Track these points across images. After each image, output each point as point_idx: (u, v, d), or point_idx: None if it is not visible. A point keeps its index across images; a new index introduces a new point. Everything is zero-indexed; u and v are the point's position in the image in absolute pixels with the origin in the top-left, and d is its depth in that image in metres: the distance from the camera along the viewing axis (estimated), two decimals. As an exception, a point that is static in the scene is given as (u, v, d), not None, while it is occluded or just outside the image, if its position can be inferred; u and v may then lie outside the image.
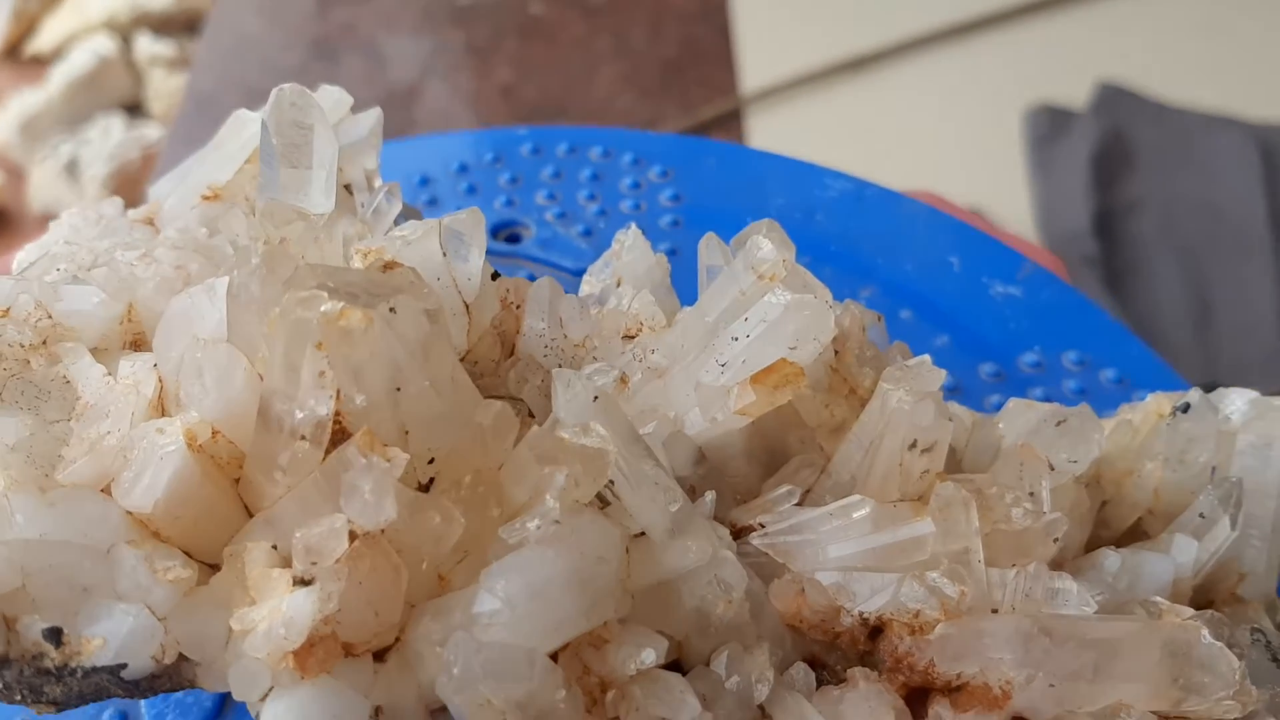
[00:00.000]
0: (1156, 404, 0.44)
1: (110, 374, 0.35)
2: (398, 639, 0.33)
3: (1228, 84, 1.15)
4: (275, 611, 0.30)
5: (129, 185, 1.44)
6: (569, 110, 1.12)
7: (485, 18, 1.22)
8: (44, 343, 0.37)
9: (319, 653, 0.30)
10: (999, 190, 1.07)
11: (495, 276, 0.42)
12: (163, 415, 0.35)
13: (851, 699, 0.34)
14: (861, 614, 0.36)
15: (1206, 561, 0.39)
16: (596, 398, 0.35)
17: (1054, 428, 0.40)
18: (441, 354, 0.33)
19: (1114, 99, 1.13)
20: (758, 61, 1.18)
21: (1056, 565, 0.38)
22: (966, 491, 0.36)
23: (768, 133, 1.11)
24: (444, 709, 0.34)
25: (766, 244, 0.39)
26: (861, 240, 0.61)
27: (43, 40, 1.67)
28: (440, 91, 1.13)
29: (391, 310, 0.30)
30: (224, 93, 1.17)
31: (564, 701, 0.31)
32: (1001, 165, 1.11)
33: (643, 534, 0.35)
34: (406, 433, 0.33)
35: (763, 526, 0.39)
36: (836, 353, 0.41)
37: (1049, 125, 1.11)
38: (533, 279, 0.43)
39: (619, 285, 0.47)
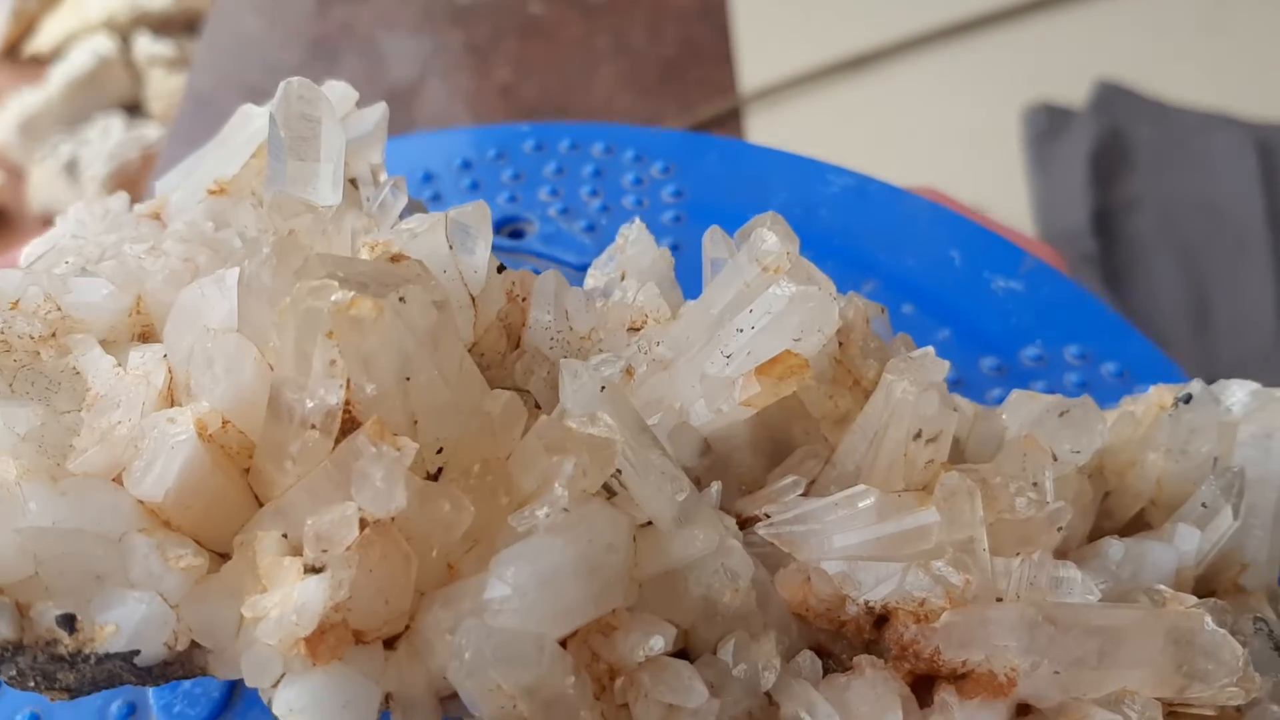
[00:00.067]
0: (1158, 396, 0.44)
1: (120, 365, 0.36)
2: (407, 627, 0.33)
3: (1226, 83, 1.16)
4: (287, 599, 0.30)
5: (129, 185, 1.44)
6: (568, 110, 1.13)
7: (484, 17, 1.23)
8: (53, 335, 0.38)
9: (330, 640, 0.31)
10: (998, 189, 1.08)
11: (501, 269, 0.42)
12: (172, 406, 0.35)
13: (858, 686, 0.35)
14: (867, 603, 0.36)
15: (1209, 551, 0.40)
16: (603, 388, 0.35)
17: (1057, 418, 0.40)
18: (450, 344, 0.33)
19: (1113, 98, 1.13)
20: (757, 61, 1.18)
21: (1060, 555, 0.39)
22: (971, 481, 0.37)
23: (767, 132, 1.12)
24: (454, 696, 0.34)
25: (771, 236, 0.40)
26: (863, 235, 0.62)
27: (42, 40, 1.68)
28: (439, 91, 1.14)
29: (401, 300, 0.31)
30: (223, 92, 1.17)
31: (573, 688, 0.32)
32: (1000, 164, 1.11)
33: (649, 524, 0.36)
34: (415, 422, 0.33)
35: (768, 517, 0.39)
36: (840, 344, 0.41)
37: (1048, 124, 1.11)
38: (537, 273, 0.43)
39: (623, 279, 0.47)
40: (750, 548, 0.37)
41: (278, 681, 0.31)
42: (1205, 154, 1.08)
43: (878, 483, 0.38)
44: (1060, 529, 0.38)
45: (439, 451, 0.34)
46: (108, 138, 1.51)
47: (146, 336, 0.40)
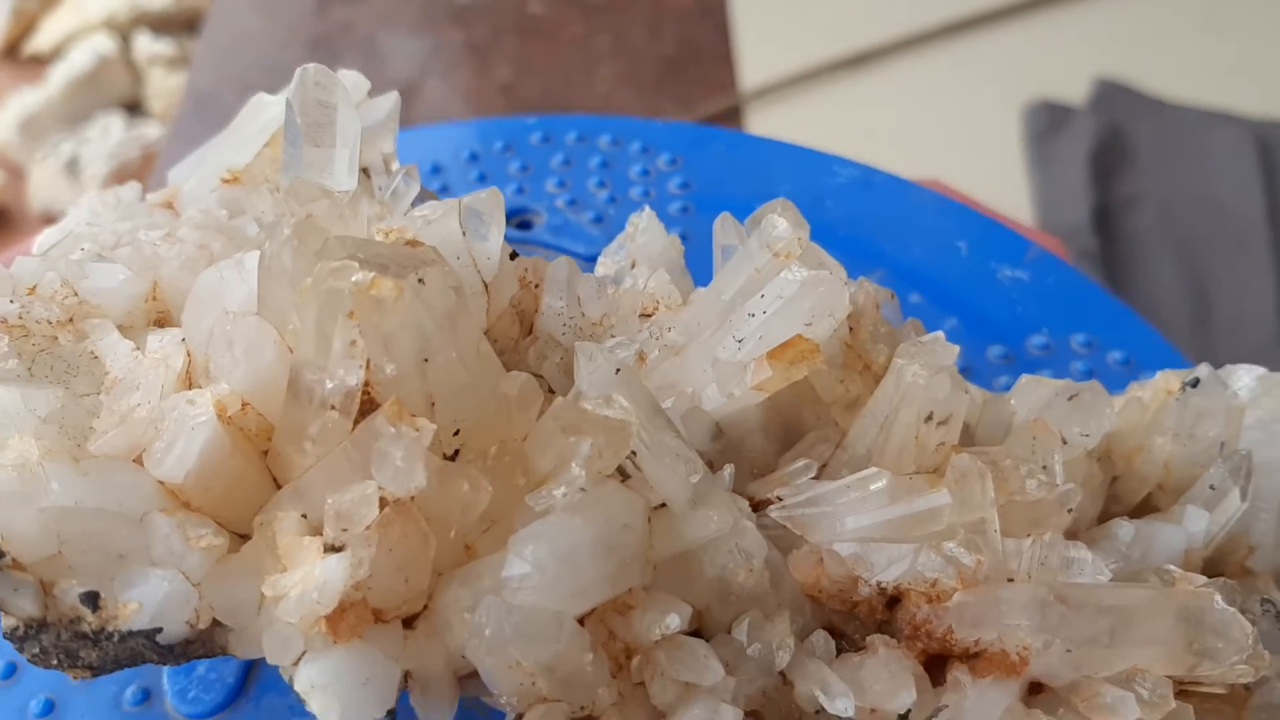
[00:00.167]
0: (1165, 381, 0.44)
1: (138, 349, 0.36)
2: (425, 607, 0.34)
3: (1225, 81, 1.16)
4: (308, 577, 0.31)
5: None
6: (569, 109, 1.13)
7: (484, 16, 1.23)
8: (70, 320, 0.38)
9: (350, 618, 0.31)
10: (999, 186, 1.08)
11: (514, 256, 0.42)
12: (191, 389, 0.35)
13: (872, 665, 0.35)
14: (879, 584, 0.37)
15: (1217, 534, 0.40)
16: (619, 370, 0.35)
17: (1066, 402, 0.41)
18: (467, 326, 0.34)
19: (1112, 95, 1.13)
20: (756, 59, 1.18)
21: (1070, 537, 0.39)
22: (982, 463, 0.37)
23: (767, 130, 1.11)
24: (472, 675, 0.35)
25: (782, 222, 0.40)
26: (869, 225, 0.62)
27: (42, 39, 1.68)
28: (439, 90, 1.14)
29: (420, 281, 0.31)
30: (224, 91, 1.17)
31: (591, 665, 0.32)
32: (1001, 161, 1.11)
33: (663, 506, 0.36)
34: (433, 404, 0.33)
35: (780, 499, 0.39)
36: (851, 329, 0.42)
37: (1048, 121, 1.11)
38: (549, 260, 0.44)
39: (633, 267, 0.47)
40: (762, 530, 0.38)
41: (298, 659, 0.31)
42: (1205, 151, 1.09)
43: (889, 466, 0.38)
44: (1070, 510, 0.38)
45: (456, 433, 0.34)
46: (108, 137, 1.51)
47: (162, 322, 0.40)
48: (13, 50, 1.71)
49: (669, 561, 0.36)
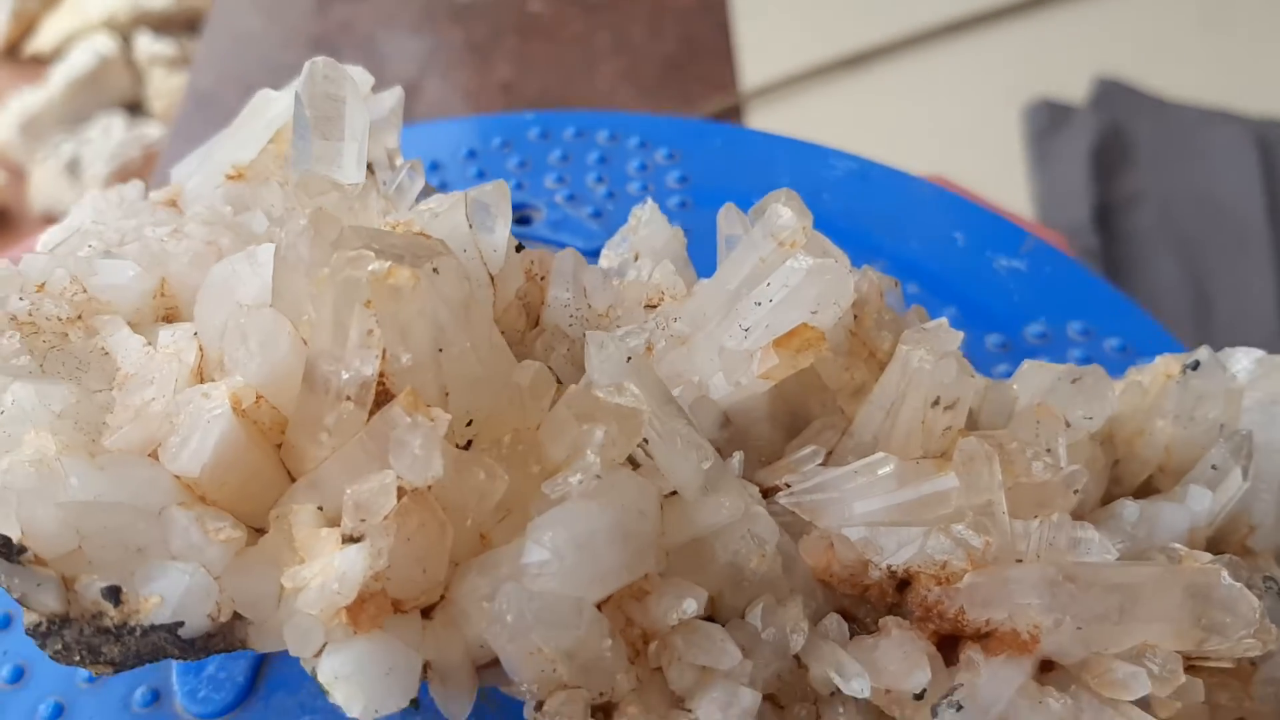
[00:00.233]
0: (1164, 365, 0.45)
1: (150, 344, 0.36)
2: (442, 597, 0.34)
3: (1225, 79, 1.16)
4: (327, 568, 0.31)
5: None
6: (569, 107, 1.13)
7: (484, 15, 1.23)
8: (79, 316, 0.38)
9: (370, 608, 0.31)
10: (999, 185, 1.08)
11: (519, 249, 0.42)
12: (202, 383, 0.35)
13: (886, 646, 0.35)
14: (889, 567, 0.37)
15: (1219, 513, 0.40)
16: (630, 359, 0.36)
17: (1070, 385, 0.41)
18: (480, 316, 0.34)
19: (1113, 94, 1.13)
20: (757, 57, 1.18)
21: (1075, 519, 0.39)
22: (989, 446, 0.37)
23: (767, 129, 1.11)
24: (490, 665, 0.35)
25: (786, 211, 0.40)
26: (867, 217, 0.62)
27: (42, 40, 1.67)
28: (439, 89, 1.14)
29: (435, 271, 0.31)
30: (224, 91, 1.17)
31: (610, 650, 0.32)
32: (1001, 160, 1.11)
33: (674, 494, 0.36)
34: (447, 394, 0.33)
35: (788, 486, 0.39)
36: (856, 317, 0.42)
37: (1048, 120, 1.11)
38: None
39: (636, 259, 0.47)
40: (772, 517, 0.38)
41: (320, 651, 0.31)
42: (1205, 150, 1.09)
43: (896, 451, 0.39)
44: (1076, 491, 0.38)
45: (469, 424, 0.34)
46: (109, 137, 1.51)
47: (171, 318, 0.40)
48: (13, 50, 1.71)
49: (681, 548, 0.36)
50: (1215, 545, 0.42)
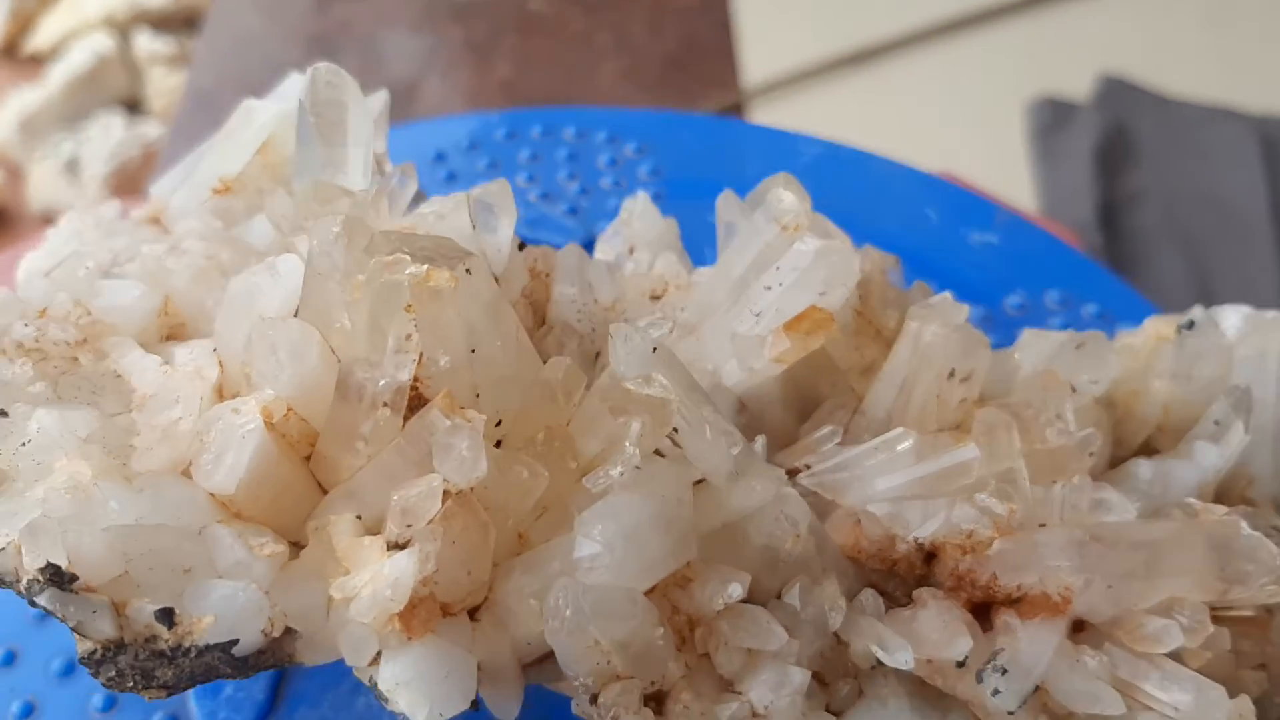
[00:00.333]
0: (1155, 327, 0.46)
1: (166, 363, 0.35)
2: (486, 598, 0.34)
3: (1229, 77, 1.17)
4: (378, 576, 0.31)
5: (129, 183, 1.42)
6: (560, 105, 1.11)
7: (484, 14, 1.21)
8: (85, 340, 0.37)
9: (421, 613, 0.31)
10: (1002, 183, 1.07)
11: (522, 247, 0.42)
12: (223, 400, 0.35)
13: (924, 617, 0.36)
14: (916, 540, 0.38)
15: (1224, 467, 0.42)
16: (655, 349, 0.36)
17: (1074, 350, 0.42)
18: (507, 316, 0.34)
19: (1116, 92, 1.14)
20: (759, 56, 1.18)
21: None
22: (1007, 415, 0.38)
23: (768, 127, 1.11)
24: (535, 663, 0.35)
25: (788, 195, 0.41)
26: (839, 200, 0.62)
27: (41, 38, 1.63)
28: (439, 88, 1.12)
29: (468, 272, 0.31)
30: (224, 89, 1.14)
31: (662, 639, 0.32)
32: (1005, 158, 1.11)
33: (700, 481, 0.36)
34: (477, 395, 0.33)
35: (808, 467, 0.40)
36: (861, 296, 0.42)
37: (1052, 118, 1.12)
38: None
39: (632, 252, 0.48)
40: (797, 499, 0.38)
41: (374, 659, 0.31)
42: (1209, 147, 1.10)
43: (911, 426, 0.39)
44: (1091, 454, 0.39)
45: (498, 424, 0.34)
46: (108, 136, 1.47)
47: (176, 335, 0.39)
48: (11, 49, 1.66)
49: (712, 535, 0.36)
50: (1219, 499, 0.43)
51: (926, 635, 0.35)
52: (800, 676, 0.33)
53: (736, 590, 0.34)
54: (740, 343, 0.40)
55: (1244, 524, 0.36)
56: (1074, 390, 0.42)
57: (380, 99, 0.45)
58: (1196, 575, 0.36)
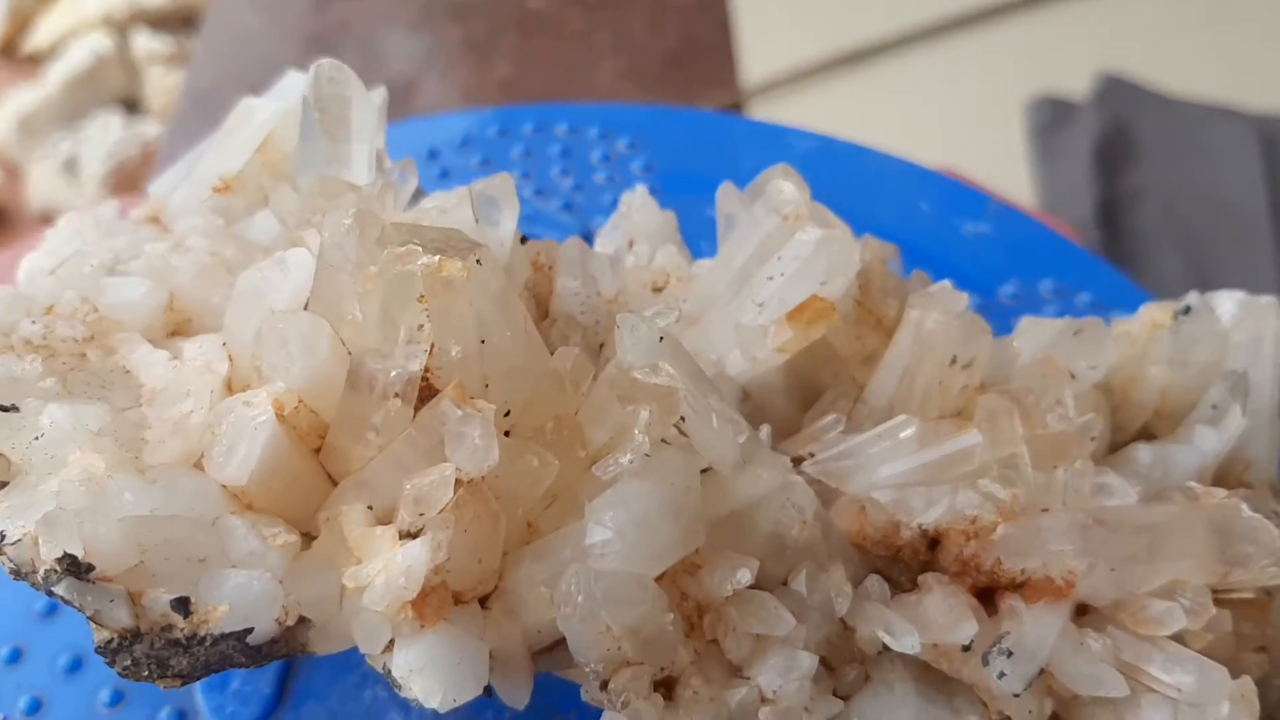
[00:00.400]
0: (1150, 314, 0.46)
1: (175, 358, 0.36)
2: (496, 587, 0.34)
3: (1229, 75, 1.17)
4: (390, 564, 0.31)
5: (128, 182, 1.41)
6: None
7: (483, 13, 1.21)
8: (92, 337, 0.37)
9: (434, 601, 0.31)
10: (1002, 181, 1.07)
11: (524, 240, 0.42)
12: (232, 394, 0.35)
13: (930, 602, 0.36)
14: (921, 526, 0.38)
15: (1222, 451, 0.42)
16: (661, 338, 0.36)
17: (1072, 337, 0.42)
18: (515, 306, 0.34)
19: (1115, 90, 1.14)
20: (758, 54, 1.18)
21: (1089, 466, 0.41)
22: (1009, 401, 0.38)
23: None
24: (544, 651, 0.35)
25: (788, 186, 0.41)
26: (832, 193, 0.62)
27: (39, 37, 1.63)
28: (438, 87, 1.12)
29: (478, 263, 0.31)
30: (223, 88, 1.14)
31: (671, 624, 0.33)
32: (1004, 156, 1.11)
33: (707, 470, 0.37)
34: (487, 385, 0.33)
35: (812, 455, 0.40)
36: (861, 286, 0.43)
37: (1051, 116, 1.12)
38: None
39: (632, 245, 0.48)
40: (801, 486, 0.39)
41: (387, 647, 0.31)
42: (1208, 146, 1.10)
43: (913, 413, 0.39)
44: (1093, 439, 0.40)
45: (507, 414, 0.34)
46: (107, 135, 1.47)
47: (182, 331, 0.40)
48: (10, 48, 1.66)
49: (719, 523, 0.37)
50: (1217, 483, 0.44)
51: (932, 620, 0.36)
52: (808, 661, 0.34)
53: (745, 576, 0.34)
54: (743, 333, 0.40)
55: (1244, 507, 0.36)
56: (1073, 377, 0.42)
57: (378, 95, 0.45)
58: (1198, 558, 0.36)
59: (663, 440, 0.36)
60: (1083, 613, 0.37)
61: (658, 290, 0.44)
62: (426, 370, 0.32)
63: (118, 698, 0.44)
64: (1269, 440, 0.44)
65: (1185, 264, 1.01)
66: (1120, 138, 1.09)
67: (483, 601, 0.34)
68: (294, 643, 0.32)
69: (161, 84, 1.55)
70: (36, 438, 0.32)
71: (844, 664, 0.37)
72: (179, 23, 1.63)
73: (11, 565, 0.30)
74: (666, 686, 0.34)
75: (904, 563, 0.39)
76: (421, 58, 1.15)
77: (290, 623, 0.32)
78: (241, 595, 0.31)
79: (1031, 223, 0.62)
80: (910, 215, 0.62)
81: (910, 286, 0.44)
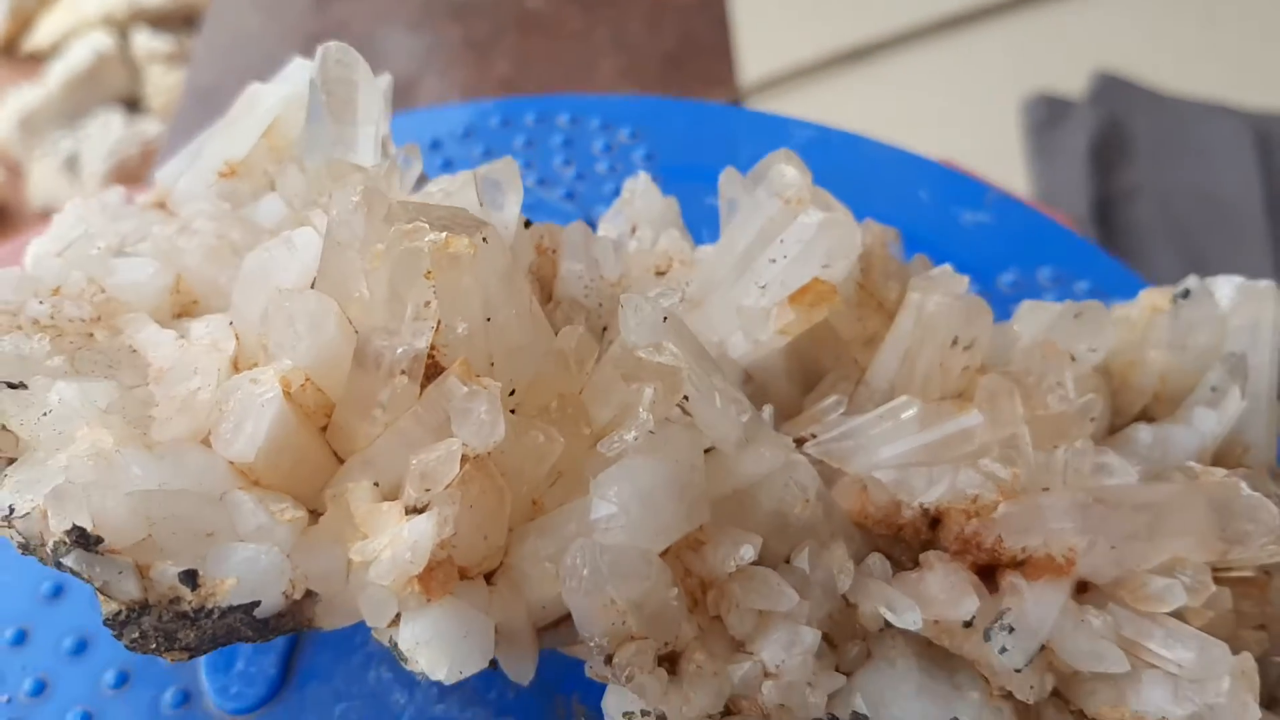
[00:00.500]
0: (1150, 299, 0.47)
1: (183, 337, 0.36)
2: (501, 562, 0.34)
3: (1223, 74, 1.17)
4: (397, 539, 0.31)
5: (128, 181, 1.41)
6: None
7: (483, 12, 1.21)
8: (99, 317, 0.38)
9: (440, 575, 0.31)
10: (998, 179, 1.08)
11: (528, 224, 0.43)
12: (238, 372, 0.35)
13: (931, 579, 0.36)
14: (922, 505, 0.38)
15: (1221, 433, 0.42)
16: (665, 318, 0.36)
17: (1072, 319, 0.43)
18: (522, 285, 0.34)
19: (1111, 88, 1.14)
20: (756, 53, 1.18)
21: (1089, 447, 0.41)
22: (1009, 381, 0.39)
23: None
24: (549, 627, 0.35)
25: (790, 170, 0.41)
26: (832, 182, 0.63)
27: (40, 37, 1.63)
28: (437, 86, 1.12)
29: (484, 240, 0.31)
30: (224, 87, 1.14)
31: (675, 599, 0.33)
32: (1001, 154, 1.12)
33: (710, 450, 0.37)
34: (492, 364, 0.34)
35: (814, 436, 0.40)
36: (863, 269, 0.43)
37: (1047, 114, 1.12)
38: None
39: (634, 231, 0.48)
40: (803, 466, 0.39)
41: (394, 621, 0.31)
42: (1204, 144, 1.10)
43: (914, 394, 0.40)
44: (1093, 419, 0.40)
45: (512, 393, 0.35)
46: (107, 133, 1.48)
47: (188, 312, 0.40)
48: (11, 47, 1.67)
49: (722, 501, 0.37)
50: (1216, 465, 0.44)
51: (934, 596, 0.36)
52: (811, 637, 0.34)
53: (748, 552, 0.34)
54: (746, 315, 0.41)
55: (1244, 485, 0.37)
56: (1073, 359, 0.42)
57: (384, 82, 0.46)
58: (1198, 535, 0.36)
59: (667, 419, 0.36)
60: (1083, 590, 0.37)
61: (661, 274, 0.45)
62: (433, 348, 0.32)
63: (122, 679, 0.45)
64: (1267, 424, 0.44)
65: (1180, 260, 1.02)
66: (1116, 135, 1.09)
67: (488, 577, 0.34)
68: (300, 617, 0.33)
69: (162, 83, 1.56)
70: (45, 414, 0.32)
71: (846, 640, 0.37)
72: (179, 22, 1.64)
73: (20, 539, 0.31)
74: (670, 661, 0.34)
75: (905, 541, 0.39)
76: (421, 57, 1.15)
77: (297, 596, 0.32)
78: (249, 569, 0.31)
79: (1030, 211, 0.62)
80: (909, 204, 0.63)
81: (912, 270, 0.44)
